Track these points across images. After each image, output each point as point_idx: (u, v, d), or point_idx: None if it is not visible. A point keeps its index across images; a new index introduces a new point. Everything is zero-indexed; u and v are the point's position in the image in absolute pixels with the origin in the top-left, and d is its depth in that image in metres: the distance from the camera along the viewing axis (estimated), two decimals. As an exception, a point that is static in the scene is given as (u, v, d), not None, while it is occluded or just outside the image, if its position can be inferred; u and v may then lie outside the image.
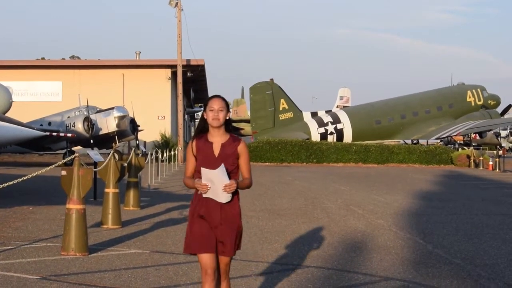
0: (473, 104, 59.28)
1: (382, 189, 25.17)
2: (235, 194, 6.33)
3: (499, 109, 61.40)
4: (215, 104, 6.33)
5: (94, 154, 17.99)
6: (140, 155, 20.10)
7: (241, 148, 6.39)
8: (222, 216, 6.26)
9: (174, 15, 49.22)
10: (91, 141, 38.37)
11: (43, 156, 47.98)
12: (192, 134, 76.87)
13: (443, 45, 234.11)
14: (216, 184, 6.19)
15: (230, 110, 6.52)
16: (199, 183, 6.22)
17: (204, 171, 6.20)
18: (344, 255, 10.89)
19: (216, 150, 6.33)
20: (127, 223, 14.14)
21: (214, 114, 6.30)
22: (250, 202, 18.79)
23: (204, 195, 6.28)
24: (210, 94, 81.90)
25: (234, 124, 69.52)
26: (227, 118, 6.39)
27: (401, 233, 13.49)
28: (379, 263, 10.21)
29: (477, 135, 64.05)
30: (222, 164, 6.22)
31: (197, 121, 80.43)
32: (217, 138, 6.36)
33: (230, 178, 6.23)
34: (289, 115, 54.00)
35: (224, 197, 6.25)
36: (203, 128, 6.43)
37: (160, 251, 10.92)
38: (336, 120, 54.69)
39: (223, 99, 6.42)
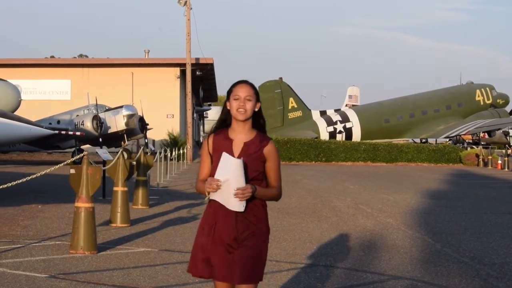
0: (482, 103, 59.25)
1: (391, 188, 25.13)
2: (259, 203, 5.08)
3: (508, 108, 61.36)
4: (241, 92, 5.06)
5: (103, 152, 17.99)
6: (148, 153, 20.12)
7: (269, 150, 5.07)
8: (239, 235, 5.02)
9: (183, 13, 49.24)
10: (100, 139, 38.38)
11: (51, 154, 48.06)
12: (201, 133, 77.07)
13: (452, 44, 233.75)
14: (230, 182, 4.89)
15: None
16: (210, 179, 4.94)
17: (225, 157, 4.92)
18: (353, 254, 10.88)
19: (237, 149, 5.03)
20: (135, 222, 14.15)
21: (239, 104, 5.02)
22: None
23: (211, 197, 4.99)
24: (219, 93, 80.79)
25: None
26: (256, 110, 5.11)
27: (410, 232, 13.46)
28: (387, 262, 10.19)
29: (486, 134, 63.93)
30: (242, 158, 4.94)
31: (206, 120, 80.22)
32: (240, 135, 5.07)
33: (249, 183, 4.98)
34: (298, 113, 54.00)
35: (234, 203, 4.92)
36: (223, 121, 5.16)
37: (169, 250, 10.92)
38: (345, 118, 54.70)
39: (252, 85, 5.13)
